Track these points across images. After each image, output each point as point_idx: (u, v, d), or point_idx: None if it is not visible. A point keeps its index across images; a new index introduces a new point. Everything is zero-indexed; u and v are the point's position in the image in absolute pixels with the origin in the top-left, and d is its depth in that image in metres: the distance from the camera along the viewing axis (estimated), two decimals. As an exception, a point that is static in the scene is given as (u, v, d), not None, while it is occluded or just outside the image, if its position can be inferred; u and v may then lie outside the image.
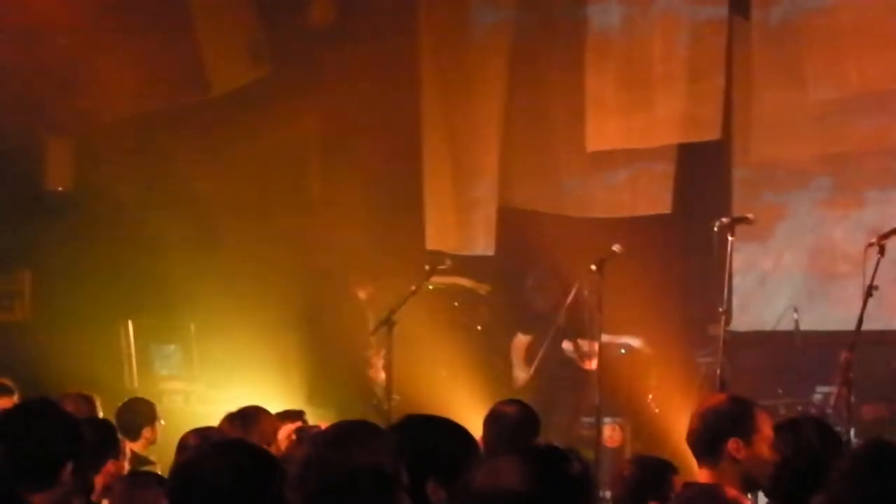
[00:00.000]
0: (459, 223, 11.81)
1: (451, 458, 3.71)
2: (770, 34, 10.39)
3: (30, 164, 11.35)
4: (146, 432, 8.09)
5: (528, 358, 10.41)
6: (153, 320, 11.71)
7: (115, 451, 5.63)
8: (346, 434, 3.49)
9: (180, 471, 3.26)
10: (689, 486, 4.75)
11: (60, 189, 11.59)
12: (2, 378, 7.99)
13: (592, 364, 9.63)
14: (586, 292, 9.29)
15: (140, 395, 9.99)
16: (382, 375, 10.11)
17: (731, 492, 4.44)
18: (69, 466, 3.75)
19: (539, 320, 10.51)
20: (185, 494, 3.09)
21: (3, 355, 10.21)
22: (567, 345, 10.40)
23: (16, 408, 4.00)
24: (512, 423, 5.57)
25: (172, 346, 11.76)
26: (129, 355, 11.42)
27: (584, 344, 10.14)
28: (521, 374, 10.48)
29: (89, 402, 7.23)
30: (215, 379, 11.44)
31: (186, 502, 3.08)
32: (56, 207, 11.41)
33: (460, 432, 3.94)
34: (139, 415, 8.23)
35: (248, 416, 6.65)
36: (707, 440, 4.73)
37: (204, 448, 3.27)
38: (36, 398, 4.04)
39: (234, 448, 3.33)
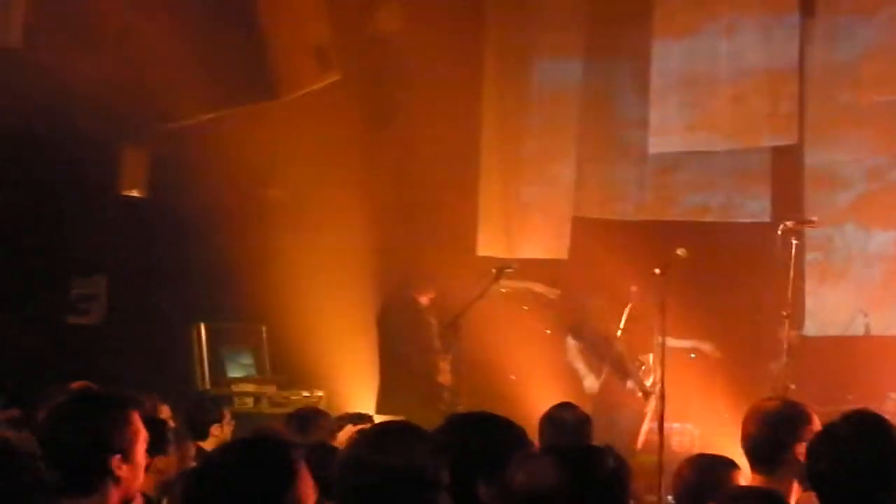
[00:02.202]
0: (524, 228, 11.95)
1: (499, 456, 3.71)
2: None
3: (105, 171, 11.58)
4: (214, 430, 8.18)
5: (588, 363, 10.42)
6: (225, 324, 11.93)
7: (163, 448, 5.75)
8: (384, 435, 3.55)
9: (198, 467, 3.37)
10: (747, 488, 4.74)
11: (135, 194, 11.83)
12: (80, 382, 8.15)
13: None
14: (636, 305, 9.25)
15: (212, 397, 10.25)
16: (448, 379, 10.24)
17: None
18: (115, 460, 3.81)
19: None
20: (197, 486, 3.15)
21: (79, 358, 10.48)
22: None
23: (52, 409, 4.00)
24: (566, 426, 5.65)
25: (244, 350, 11.97)
26: (202, 358, 11.64)
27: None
28: (589, 380, 10.49)
29: (144, 401, 7.37)
30: (286, 382, 11.63)
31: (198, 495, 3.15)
32: (131, 212, 11.64)
33: (508, 429, 3.97)
34: (206, 413, 8.35)
35: (306, 418, 6.77)
36: (769, 445, 4.71)
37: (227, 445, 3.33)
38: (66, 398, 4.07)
39: (248, 445, 3.34)
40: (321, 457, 4.09)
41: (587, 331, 10.41)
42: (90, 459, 3.78)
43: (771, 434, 4.73)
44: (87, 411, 3.87)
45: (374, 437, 3.53)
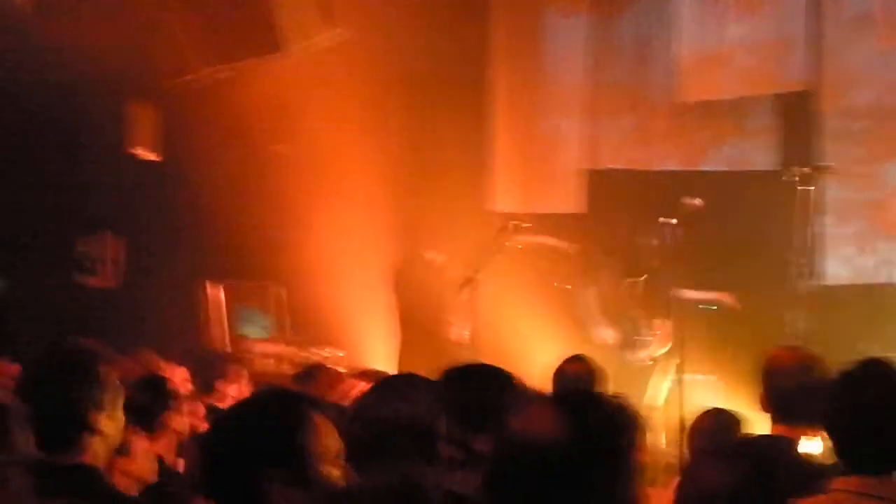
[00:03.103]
0: (537, 183, 11.88)
1: (494, 406, 3.67)
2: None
3: (115, 132, 11.53)
4: (219, 385, 8.17)
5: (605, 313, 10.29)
6: (245, 284, 11.91)
7: (165, 404, 5.74)
8: (387, 387, 3.62)
9: (211, 423, 3.32)
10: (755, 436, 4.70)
11: (143, 151, 11.76)
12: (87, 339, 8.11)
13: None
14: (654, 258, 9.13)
15: (229, 358, 10.24)
16: (464, 335, 10.17)
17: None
18: (100, 417, 3.82)
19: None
20: (210, 441, 3.12)
21: (95, 320, 10.47)
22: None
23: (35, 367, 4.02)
24: (576, 378, 5.59)
25: (264, 310, 11.95)
26: (221, 319, 11.63)
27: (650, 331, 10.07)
28: (606, 331, 10.38)
29: (150, 360, 7.36)
30: (306, 342, 11.60)
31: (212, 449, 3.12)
32: (140, 170, 11.59)
33: (504, 380, 3.97)
34: (211, 369, 8.35)
35: (309, 374, 6.74)
36: (786, 395, 4.69)
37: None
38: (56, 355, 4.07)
39: (259, 398, 3.32)
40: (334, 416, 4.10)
41: (604, 287, 10.27)
42: (75, 418, 3.78)
43: (787, 383, 4.67)
44: (66, 370, 3.86)
45: (377, 390, 3.61)
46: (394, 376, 3.73)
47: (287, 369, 11.09)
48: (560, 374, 5.68)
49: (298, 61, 10.96)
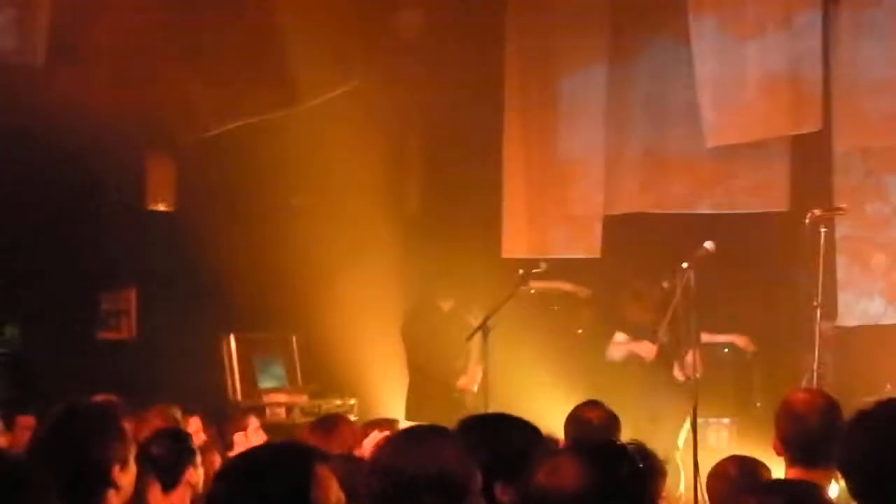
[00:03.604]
0: (551, 228, 11.88)
1: (515, 456, 3.66)
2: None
3: (131, 184, 11.60)
4: (238, 438, 8.18)
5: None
6: (255, 334, 11.92)
7: (189, 458, 5.74)
8: (411, 439, 3.48)
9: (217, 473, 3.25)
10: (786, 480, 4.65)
11: (162, 207, 11.83)
12: (109, 394, 8.13)
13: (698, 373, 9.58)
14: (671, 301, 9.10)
15: (243, 408, 10.24)
16: (475, 384, 10.14)
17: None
18: (116, 469, 3.82)
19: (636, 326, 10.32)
20: (216, 492, 3.06)
21: (111, 372, 10.49)
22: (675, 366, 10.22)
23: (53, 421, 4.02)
24: (592, 425, 5.54)
25: (275, 360, 11.95)
26: (232, 369, 11.63)
27: (691, 354, 10.01)
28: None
29: (171, 414, 7.36)
30: (318, 391, 11.59)
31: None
32: (158, 225, 11.65)
33: (523, 429, 3.93)
34: (229, 422, 8.36)
35: (329, 425, 6.71)
36: (805, 437, 4.65)
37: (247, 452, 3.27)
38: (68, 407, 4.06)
39: (266, 450, 3.27)
40: (347, 466, 4.02)
41: (630, 318, 10.16)
42: (97, 475, 3.80)
43: (805, 426, 4.64)
44: (88, 427, 3.88)
45: (402, 442, 3.46)
46: (418, 427, 3.62)
47: (299, 418, 11.10)
48: (577, 421, 5.63)
49: (315, 113, 11.02)
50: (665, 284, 10.13)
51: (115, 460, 3.81)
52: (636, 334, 10.02)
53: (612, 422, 5.59)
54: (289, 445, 3.25)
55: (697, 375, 8.53)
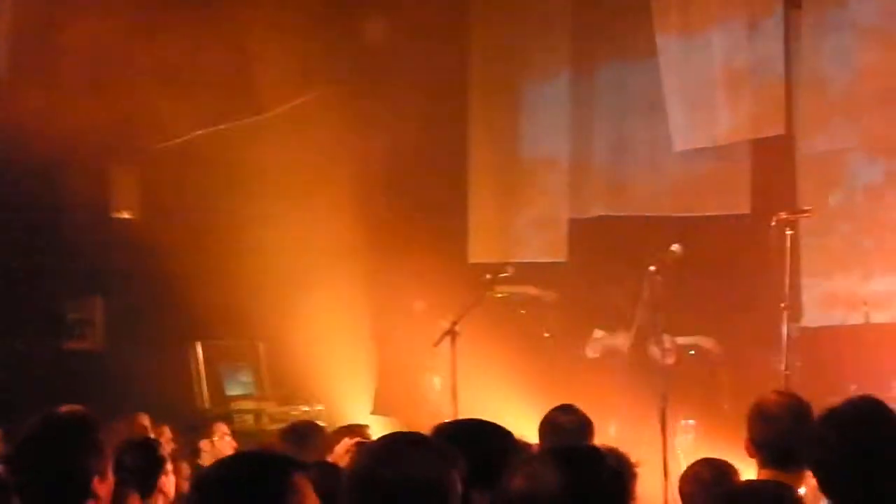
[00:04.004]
0: (517, 233, 11.93)
1: (492, 462, 3.65)
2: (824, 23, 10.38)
3: (97, 193, 11.54)
4: (204, 445, 8.17)
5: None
6: (222, 341, 11.88)
7: (162, 468, 5.73)
8: (394, 446, 3.41)
9: (196, 483, 3.23)
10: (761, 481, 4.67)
11: (127, 216, 11.77)
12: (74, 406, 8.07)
13: (671, 360, 9.60)
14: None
15: (211, 415, 10.22)
16: (437, 386, 10.17)
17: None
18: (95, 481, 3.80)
19: (617, 317, 10.32)
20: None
21: (78, 382, 10.42)
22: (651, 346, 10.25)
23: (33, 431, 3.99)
24: (566, 430, 5.54)
25: (242, 367, 11.92)
26: (200, 377, 11.59)
27: (667, 340, 10.04)
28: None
29: (141, 423, 7.35)
30: (285, 397, 11.57)
31: None
32: (123, 234, 11.58)
33: (498, 435, 3.93)
34: (195, 430, 8.35)
35: (301, 432, 6.68)
36: (777, 439, 4.66)
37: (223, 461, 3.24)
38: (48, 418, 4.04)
39: (245, 459, 3.23)
40: (323, 474, 4.01)
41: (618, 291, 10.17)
42: (78, 487, 3.77)
43: (777, 428, 4.67)
44: (67, 440, 3.86)
45: (383, 450, 3.39)
46: (398, 434, 3.56)
47: (267, 425, 11.08)
48: (550, 425, 5.62)
49: (280, 121, 11.01)
50: (630, 287, 10.18)
51: (94, 471, 3.78)
52: (613, 326, 10.07)
53: (586, 426, 5.58)
54: (266, 454, 3.23)
55: (670, 361, 8.56)
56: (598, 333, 10.32)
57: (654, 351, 9.52)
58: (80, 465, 3.78)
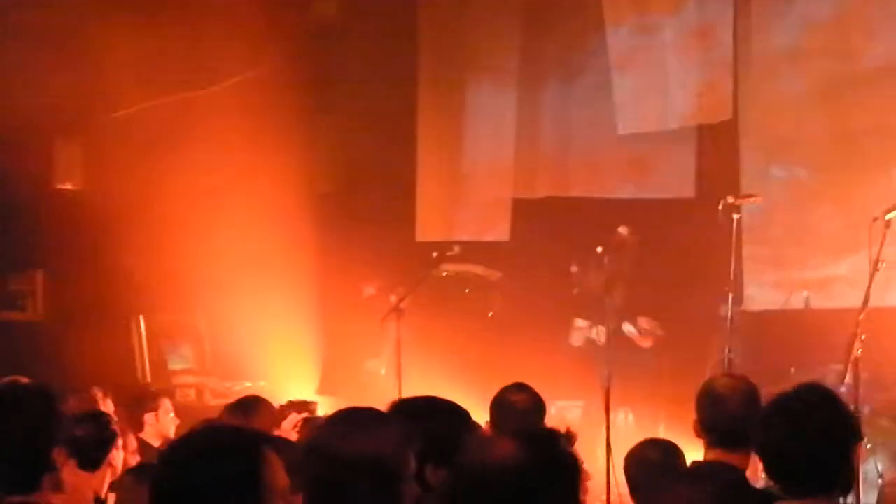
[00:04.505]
0: (463, 212, 11.98)
1: (446, 439, 3.70)
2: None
3: (38, 164, 11.41)
4: (148, 419, 8.12)
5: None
6: (165, 316, 11.81)
7: (114, 441, 5.71)
8: (348, 421, 3.43)
9: (159, 460, 3.19)
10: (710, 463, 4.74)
11: (69, 187, 11.66)
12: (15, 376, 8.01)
13: (648, 342, 9.70)
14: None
15: (154, 389, 10.16)
16: (384, 366, 10.20)
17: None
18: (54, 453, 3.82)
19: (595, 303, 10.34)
20: (166, 478, 3.01)
21: (18, 354, 10.31)
22: (626, 325, 10.33)
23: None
24: (519, 409, 5.57)
25: (184, 342, 11.86)
26: (142, 350, 11.53)
27: (644, 321, 10.12)
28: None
29: (89, 397, 7.30)
30: (228, 373, 11.53)
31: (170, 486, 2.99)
32: (66, 206, 11.47)
33: (453, 412, 3.97)
34: (138, 403, 8.30)
35: (248, 406, 6.68)
36: (726, 422, 4.69)
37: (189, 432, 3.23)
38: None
39: (213, 433, 3.19)
40: (285, 449, 4.02)
41: (591, 277, 10.19)
42: (39, 459, 3.77)
43: (727, 410, 4.73)
44: (29, 412, 3.84)
45: (339, 424, 3.42)
46: (353, 409, 3.59)
47: (210, 400, 11.05)
48: (502, 404, 5.65)
49: (226, 95, 10.95)
50: (574, 268, 10.26)
51: (55, 442, 3.79)
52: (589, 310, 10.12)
53: (538, 405, 5.62)
54: (235, 429, 3.21)
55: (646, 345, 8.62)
56: (579, 322, 10.39)
57: (630, 331, 9.62)
58: (43, 435, 3.77)
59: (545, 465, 3.15)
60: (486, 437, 3.40)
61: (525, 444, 3.20)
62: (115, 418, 7.28)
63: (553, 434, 3.27)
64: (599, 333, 9.97)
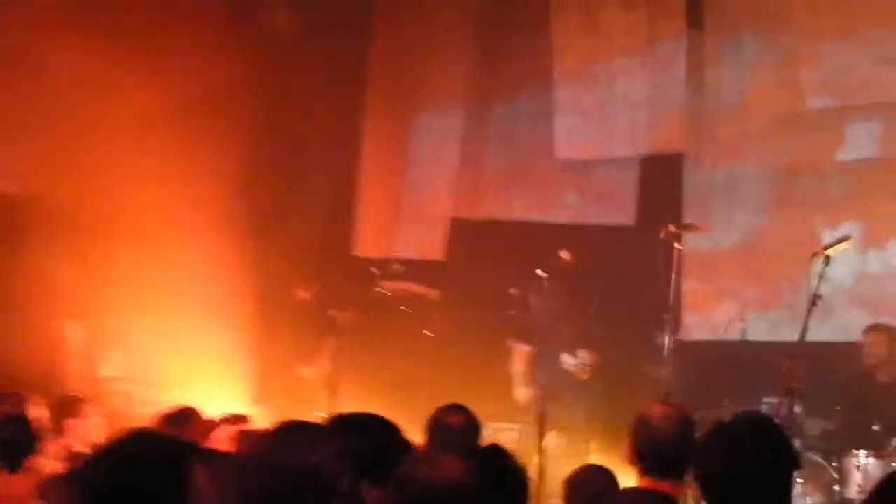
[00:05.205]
0: (401, 229, 11.97)
1: (383, 455, 3.71)
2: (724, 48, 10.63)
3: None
4: (70, 424, 8.04)
5: (528, 373, 10.28)
6: (96, 321, 11.68)
7: (36, 446, 5.66)
8: (285, 435, 3.44)
9: (88, 464, 3.14)
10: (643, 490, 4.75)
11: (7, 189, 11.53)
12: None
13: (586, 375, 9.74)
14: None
15: (81, 395, 10.03)
16: (317, 377, 10.15)
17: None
18: None
19: (538, 330, 10.38)
20: (93, 485, 2.99)
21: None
22: (566, 357, 10.34)
23: None
24: (456, 430, 5.55)
25: (115, 347, 11.73)
26: (72, 357, 11.40)
27: (585, 354, 10.13)
28: (522, 390, 10.36)
29: (17, 400, 7.22)
30: (159, 380, 11.41)
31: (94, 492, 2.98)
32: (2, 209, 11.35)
33: (389, 430, 3.99)
34: (63, 409, 8.21)
35: (179, 417, 6.62)
36: (661, 449, 4.69)
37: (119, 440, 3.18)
38: None
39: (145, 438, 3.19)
40: (210, 460, 3.97)
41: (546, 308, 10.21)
42: None
43: (661, 439, 4.75)
44: None
45: (275, 438, 3.41)
46: (290, 423, 3.58)
47: (138, 408, 10.94)
48: (438, 424, 5.62)
49: (168, 103, 10.91)
50: (512, 290, 10.27)
51: None
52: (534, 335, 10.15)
53: (474, 427, 5.60)
54: (163, 437, 3.20)
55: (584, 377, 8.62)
56: (522, 346, 10.39)
57: (567, 361, 9.60)
58: None
59: (496, 481, 3.14)
60: (427, 455, 3.36)
61: (472, 460, 3.18)
62: (45, 424, 7.23)
63: (499, 449, 3.27)
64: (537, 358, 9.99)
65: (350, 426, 3.93)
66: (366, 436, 3.86)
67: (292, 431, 3.43)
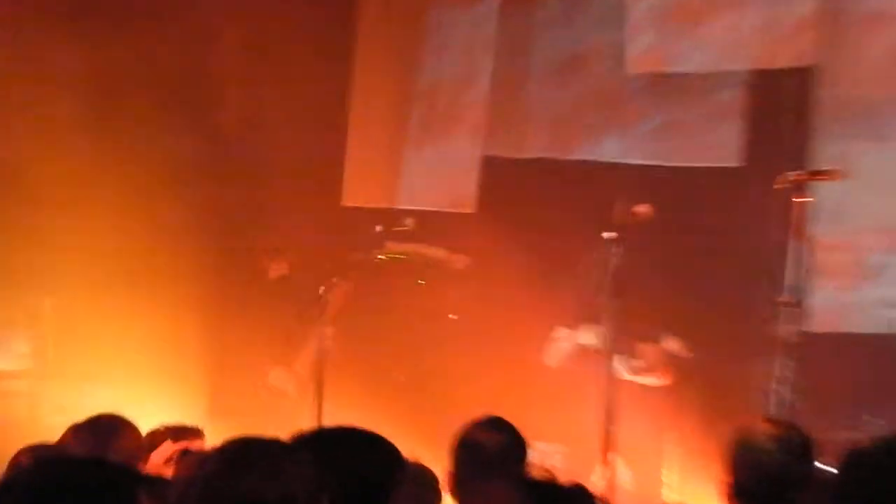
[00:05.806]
0: (412, 171, 12.03)
1: (371, 482, 3.86)
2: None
3: None
4: None
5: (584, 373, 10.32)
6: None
7: None
8: (243, 455, 3.52)
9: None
10: None
11: None
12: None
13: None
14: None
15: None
16: (293, 382, 10.22)
17: None
18: None
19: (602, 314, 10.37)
20: None
21: None
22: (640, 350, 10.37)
23: None
24: (489, 452, 5.56)
25: (17, 332, 11.84)
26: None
27: (666, 349, 10.19)
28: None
29: None
30: (76, 379, 11.51)
31: None
32: None
33: (384, 449, 4.07)
34: None
35: (103, 429, 6.65)
36: (768, 484, 4.81)
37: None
38: None
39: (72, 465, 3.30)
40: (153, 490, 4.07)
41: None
42: None
43: (771, 469, 4.78)
44: None
45: (231, 458, 3.48)
46: (247, 439, 3.62)
47: (48, 415, 11.04)
48: (467, 445, 5.63)
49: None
50: (569, 259, 10.33)
51: None
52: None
53: (516, 447, 5.61)
54: (99, 463, 3.36)
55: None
56: (561, 332, 10.43)
57: (620, 364, 9.60)
58: None
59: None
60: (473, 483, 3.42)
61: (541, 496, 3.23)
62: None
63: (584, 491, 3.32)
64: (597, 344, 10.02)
65: (328, 443, 4.03)
66: (348, 456, 3.96)
67: (249, 451, 3.49)
